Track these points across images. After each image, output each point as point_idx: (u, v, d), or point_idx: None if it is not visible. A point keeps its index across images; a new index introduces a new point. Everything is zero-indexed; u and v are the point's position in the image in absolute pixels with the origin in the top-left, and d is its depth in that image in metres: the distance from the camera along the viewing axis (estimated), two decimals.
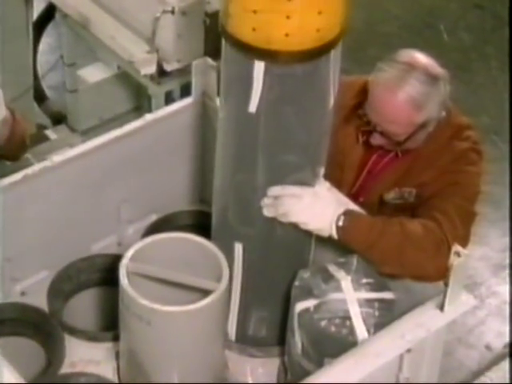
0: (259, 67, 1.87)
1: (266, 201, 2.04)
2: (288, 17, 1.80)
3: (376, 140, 2.27)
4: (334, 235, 2.07)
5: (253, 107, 1.92)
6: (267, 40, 1.83)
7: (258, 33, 1.83)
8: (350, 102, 2.36)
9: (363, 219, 2.10)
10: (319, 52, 1.87)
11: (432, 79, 2.19)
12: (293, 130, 1.98)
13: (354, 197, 2.35)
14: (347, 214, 2.07)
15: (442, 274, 2.02)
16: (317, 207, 2.04)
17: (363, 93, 2.31)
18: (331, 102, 2.00)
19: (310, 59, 1.87)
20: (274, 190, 2.03)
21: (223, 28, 1.91)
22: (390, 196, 2.33)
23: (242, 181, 2.07)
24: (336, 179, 2.26)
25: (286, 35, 1.82)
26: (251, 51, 1.86)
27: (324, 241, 2.14)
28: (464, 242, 2.14)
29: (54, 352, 2.22)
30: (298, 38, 1.83)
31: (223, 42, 1.94)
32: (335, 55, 1.93)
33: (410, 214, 2.26)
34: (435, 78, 2.20)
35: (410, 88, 2.17)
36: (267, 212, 2.05)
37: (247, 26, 1.84)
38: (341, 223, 2.05)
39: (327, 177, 2.13)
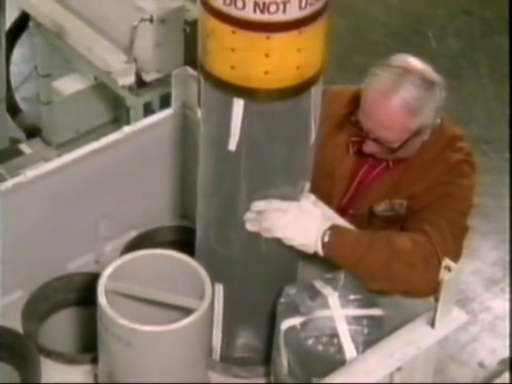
0: (238, 105, 1.88)
1: (249, 215, 2.00)
2: (267, 55, 1.81)
3: (369, 148, 2.23)
4: (320, 251, 2.03)
5: (232, 145, 1.93)
6: (246, 78, 1.85)
7: (236, 71, 1.85)
8: (340, 112, 2.34)
9: (350, 234, 2.07)
10: (299, 89, 1.88)
11: (428, 84, 2.16)
12: (274, 164, 1.98)
13: (343, 208, 2.32)
14: (333, 229, 2.03)
15: (432, 289, 1.99)
16: (302, 222, 2.00)
17: (353, 102, 2.29)
18: (313, 136, 2.00)
19: (290, 96, 1.88)
20: (258, 205, 1.99)
21: (201, 65, 1.92)
22: (381, 208, 2.30)
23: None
24: (325, 191, 2.23)
25: (266, 73, 1.83)
26: (230, 89, 1.87)
27: (310, 257, 2.10)
28: (455, 257, 2.11)
29: (29, 376, 2.18)
30: (277, 75, 1.84)
31: (202, 78, 1.94)
32: (316, 91, 1.94)
33: (400, 226, 2.23)
34: (431, 83, 2.17)
35: (405, 92, 2.14)
36: (250, 227, 2.01)
37: (226, 64, 1.85)
38: (326, 238, 2.02)
39: (316, 189, 2.10)
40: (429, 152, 2.26)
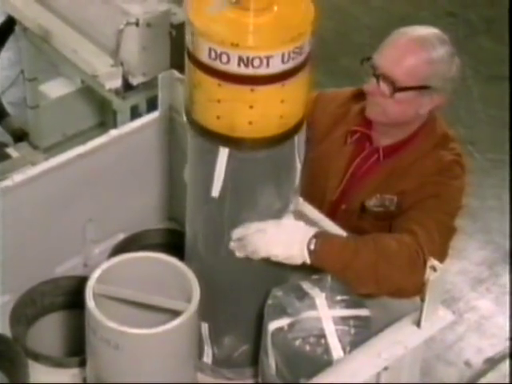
0: (223, 153, 1.93)
1: (232, 244, 2.03)
2: (251, 106, 1.87)
3: (370, 86, 2.22)
4: (307, 260, 2.03)
5: (215, 192, 1.98)
6: (231, 128, 1.90)
7: (222, 121, 1.90)
8: (336, 111, 2.36)
9: (335, 240, 2.07)
10: (283, 138, 1.93)
11: (446, 45, 2.19)
12: (258, 207, 2.02)
13: (336, 203, 2.33)
14: (318, 236, 2.03)
15: (419, 288, 2.00)
16: (283, 236, 2.01)
17: (351, 100, 2.33)
18: (297, 180, 2.05)
19: (273, 145, 1.93)
20: (237, 233, 2.02)
21: (188, 114, 1.97)
22: (372, 203, 2.29)
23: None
24: (320, 186, 2.24)
25: (250, 123, 1.89)
26: (215, 138, 1.92)
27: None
28: (442, 257, 2.11)
29: (17, 379, 2.17)
30: (261, 125, 1.90)
31: (188, 127, 1.99)
32: (299, 138, 1.98)
33: (389, 224, 2.23)
34: (452, 53, 2.19)
35: (424, 32, 2.17)
36: (238, 254, 2.04)
37: (212, 114, 1.91)
38: (312, 247, 2.01)
39: (311, 186, 2.12)
40: (420, 147, 2.26)
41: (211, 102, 1.89)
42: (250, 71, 1.83)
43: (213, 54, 1.84)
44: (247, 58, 1.82)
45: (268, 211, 2.03)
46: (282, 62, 1.84)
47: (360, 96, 2.32)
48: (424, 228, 2.12)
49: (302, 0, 1.92)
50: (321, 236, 2.03)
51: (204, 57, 1.85)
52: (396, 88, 2.16)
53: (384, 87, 2.18)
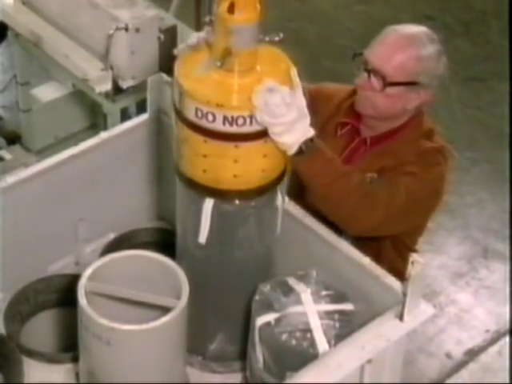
0: (209, 204, 2.01)
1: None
2: (236, 161, 1.95)
3: (361, 80, 2.26)
4: (291, 152, 1.98)
5: (202, 239, 2.06)
6: (216, 180, 1.98)
7: (208, 174, 1.98)
8: (333, 106, 2.40)
9: (325, 154, 2.06)
10: (265, 189, 2.02)
11: (435, 43, 2.23)
12: (244, 251, 2.10)
13: None
14: (314, 140, 2.00)
15: (360, 231, 2.15)
16: (292, 114, 1.93)
17: (346, 97, 2.37)
18: (279, 226, 2.13)
19: (256, 196, 2.02)
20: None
21: (176, 166, 2.05)
22: None
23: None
24: None
25: (234, 176, 1.97)
26: (201, 190, 2.01)
27: (285, 255, 2.15)
28: (397, 221, 2.18)
29: (11, 375, 2.19)
30: (245, 178, 1.98)
31: (177, 178, 2.07)
32: (281, 188, 2.07)
33: None
34: (440, 51, 2.24)
35: (414, 31, 2.22)
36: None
37: (198, 168, 1.98)
38: (304, 147, 1.98)
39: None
40: (405, 138, 2.30)
41: (198, 156, 1.97)
42: (234, 129, 1.91)
43: (199, 113, 1.91)
44: (232, 118, 1.90)
45: (251, 254, 2.11)
46: None
47: (353, 93, 2.36)
48: (395, 189, 2.17)
49: (281, 60, 2.00)
50: (315, 142, 2.00)
51: (191, 115, 1.93)
52: (386, 83, 2.21)
53: (374, 82, 2.22)
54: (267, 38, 1.96)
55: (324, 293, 2.06)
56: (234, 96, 1.91)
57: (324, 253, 2.18)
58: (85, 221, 2.47)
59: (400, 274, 2.04)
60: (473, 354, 3.63)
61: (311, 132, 1.98)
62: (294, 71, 1.96)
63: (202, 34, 2.00)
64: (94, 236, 2.51)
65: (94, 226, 2.49)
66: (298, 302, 2.04)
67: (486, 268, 3.99)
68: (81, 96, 3.77)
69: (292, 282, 2.09)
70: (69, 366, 2.24)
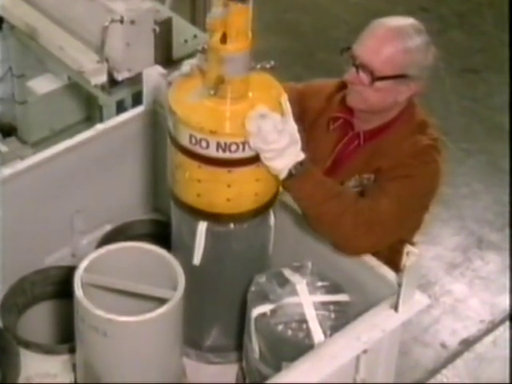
0: (202, 226, 2.06)
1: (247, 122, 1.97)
2: (229, 185, 1.99)
3: (350, 75, 2.26)
4: (281, 177, 2.03)
5: (196, 260, 2.10)
6: (210, 204, 2.03)
7: (201, 198, 2.02)
8: (323, 101, 2.40)
9: (315, 176, 2.08)
10: (258, 212, 2.06)
11: (422, 34, 2.23)
12: (237, 271, 2.14)
13: None
14: (303, 163, 2.03)
15: (364, 250, 2.13)
16: (285, 140, 1.99)
17: (335, 91, 2.38)
18: (271, 247, 2.19)
19: (249, 219, 2.06)
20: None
21: (171, 191, 2.09)
22: (351, 184, 2.33)
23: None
24: None
25: (228, 200, 2.01)
26: (196, 213, 2.05)
27: (280, 245, 2.16)
28: (395, 232, 2.17)
29: (8, 367, 2.20)
30: (238, 202, 2.02)
31: (171, 201, 2.11)
32: (274, 209, 2.11)
33: None
34: (428, 42, 2.24)
35: (400, 23, 2.22)
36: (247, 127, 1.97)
37: (192, 192, 2.03)
38: (294, 171, 2.02)
39: None
40: (399, 131, 2.30)
41: (192, 181, 2.01)
42: (227, 155, 1.95)
43: (193, 140, 1.95)
44: (225, 144, 1.94)
45: (245, 277, 2.13)
46: None
47: (343, 86, 2.36)
48: (388, 200, 2.16)
49: (272, 86, 2.04)
50: (305, 165, 2.03)
51: (185, 141, 1.97)
52: (375, 77, 2.21)
53: (363, 76, 2.22)
54: (259, 66, 2.01)
55: (319, 284, 2.07)
56: (226, 123, 1.95)
57: (319, 244, 2.19)
58: (81, 213, 2.47)
59: (397, 266, 2.05)
60: (468, 343, 3.64)
61: (301, 156, 2.02)
62: (284, 97, 2.01)
63: (194, 61, 2.05)
64: (90, 228, 2.52)
65: (90, 217, 2.49)
66: (294, 292, 2.05)
67: (480, 258, 4.00)
68: (76, 88, 3.77)
69: (287, 273, 2.10)
70: (65, 358, 2.26)
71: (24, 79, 3.87)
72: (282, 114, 1.98)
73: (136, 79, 3.21)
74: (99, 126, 2.47)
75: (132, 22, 3.24)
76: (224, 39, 1.91)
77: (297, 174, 2.02)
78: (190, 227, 2.09)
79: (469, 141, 4.55)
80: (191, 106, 1.98)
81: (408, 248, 1.95)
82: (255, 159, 1.98)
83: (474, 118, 4.70)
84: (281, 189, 2.10)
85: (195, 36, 3.59)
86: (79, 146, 2.40)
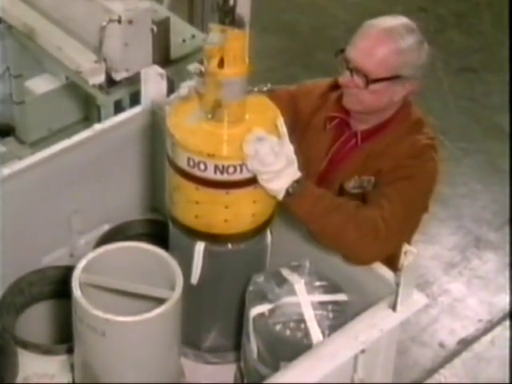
0: (200, 247, 2.09)
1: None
2: (226, 206, 2.02)
3: (345, 78, 2.27)
4: (279, 197, 2.05)
5: (194, 280, 2.13)
6: (208, 225, 2.06)
7: (199, 219, 2.05)
8: (317, 101, 2.41)
9: (314, 192, 2.10)
10: (255, 232, 2.10)
11: (415, 34, 2.23)
12: (234, 287, 2.17)
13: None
14: (300, 182, 2.05)
15: (374, 259, 2.13)
16: (281, 163, 2.02)
17: (329, 90, 2.38)
18: (267, 265, 2.21)
19: (246, 239, 2.10)
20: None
21: (169, 212, 2.12)
22: (351, 185, 2.33)
23: None
24: (302, 173, 2.26)
25: (225, 221, 2.04)
26: (193, 234, 2.08)
27: (277, 247, 2.16)
28: (402, 235, 2.16)
29: (6, 367, 2.20)
30: (235, 223, 2.06)
31: (170, 222, 2.14)
32: (271, 228, 2.14)
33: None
34: (420, 40, 2.24)
35: (393, 23, 2.22)
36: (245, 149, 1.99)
37: (190, 214, 2.06)
38: (291, 190, 2.05)
39: None
40: (396, 131, 2.30)
41: (190, 203, 2.04)
42: (225, 177, 1.98)
43: (191, 163, 1.98)
44: (223, 166, 1.97)
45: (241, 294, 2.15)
46: None
47: (336, 85, 2.36)
48: (391, 204, 2.17)
49: (268, 108, 2.07)
50: (301, 183, 2.06)
51: (183, 164, 2.00)
52: (369, 80, 2.21)
53: (358, 80, 2.22)
54: (256, 89, 2.04)
55: (317, 283, 2.08)
56: (224, 146, 1.98)
57: (317, 244, 2.18)
58: (79, 213, 2.48)
59: (394, 266, 2.05)
60: (466, 343, 3.65)
61: (298, 174, 2.04)
62: (280, 120, 2.03)
63: (192, 84, 2.07)
64: (88, 228, 2.52)
65: (88, 217, 2.50)
66: (292, 292, 2.05)
67: (478, 258, 4.01)
68: (74, 88, 3.77)
69: (286, 272, 2.10)
70: (63, 358, 2.26)
71: (22, 79, 3.88)
72: (279, 136, 2.00)
73: (134, 79, 3.21)
74: (97, 126, 2.47)
75: (130, 22, 3.25)
76: (221, 64, 1.94)
77: (294, 192, 2.04)
78: (187, 247, 2.11)
79: (467, 140, 4.56)
80: (189, 129, 2.00)
81: (406, 247, 1.96)
82: (252, 181, 2.01)
83: (471, 117, 4.71)
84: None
85: (193, 36, 3.60)
86: (77, 146, 2.40)
